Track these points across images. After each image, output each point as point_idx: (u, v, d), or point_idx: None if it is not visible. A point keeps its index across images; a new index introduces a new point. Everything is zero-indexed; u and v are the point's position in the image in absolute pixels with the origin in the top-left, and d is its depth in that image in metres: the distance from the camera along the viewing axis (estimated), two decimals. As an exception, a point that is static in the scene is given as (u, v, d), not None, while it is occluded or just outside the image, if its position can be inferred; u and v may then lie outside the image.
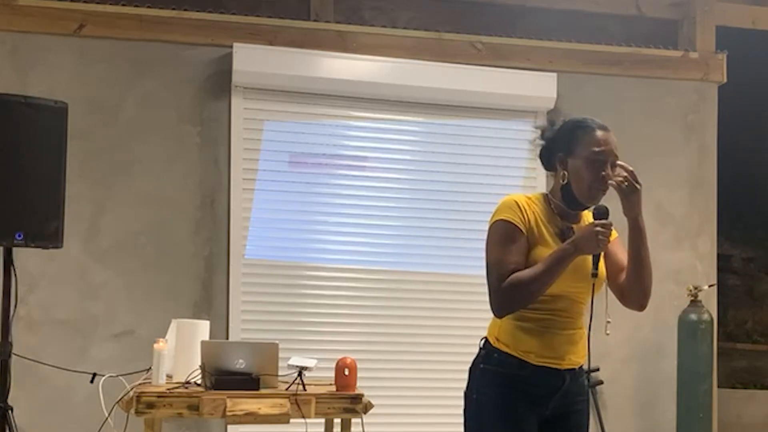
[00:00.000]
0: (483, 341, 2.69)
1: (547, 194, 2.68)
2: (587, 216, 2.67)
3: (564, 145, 2.62)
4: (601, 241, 2.47)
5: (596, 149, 2.55)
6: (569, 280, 2.54)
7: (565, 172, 2.60)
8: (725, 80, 5.62)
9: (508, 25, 5.46)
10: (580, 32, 5.52)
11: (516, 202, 2.59)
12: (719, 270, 5.70)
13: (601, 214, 2.52)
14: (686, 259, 5.51)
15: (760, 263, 8.44)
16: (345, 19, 5.28)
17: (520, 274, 2.50)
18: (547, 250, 2.54)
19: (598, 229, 2.47)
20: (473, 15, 5.49)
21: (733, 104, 5.99)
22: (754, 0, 5.77)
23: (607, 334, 2.59)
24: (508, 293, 2.51)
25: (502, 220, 2.57)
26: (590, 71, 5.42)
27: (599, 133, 2.58)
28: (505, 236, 2.56)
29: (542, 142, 2.71)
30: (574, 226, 2.64)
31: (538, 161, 2.74)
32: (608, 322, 2.58)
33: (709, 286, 5.40)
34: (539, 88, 5.14)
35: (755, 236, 8.46)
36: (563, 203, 2.63)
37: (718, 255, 5.67)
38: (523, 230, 2.56)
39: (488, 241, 2.61)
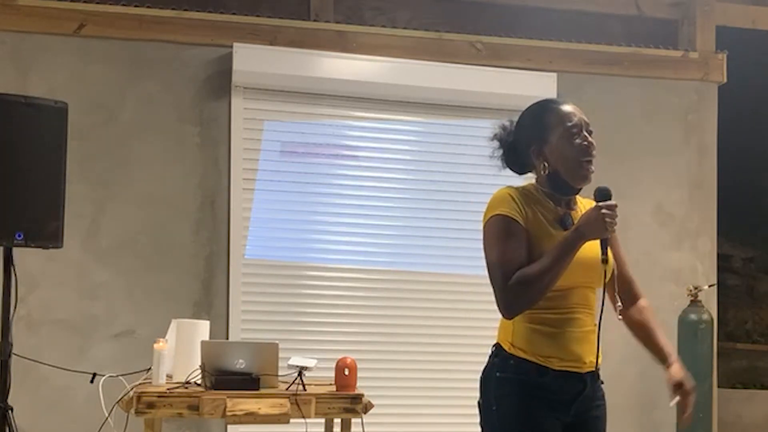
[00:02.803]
0: (495, 347, 2.53)
1: (536, 185, 2.55)
2: (584, 203, 2.57)
3: (534, 137, 2.51)
4: (609, 224, 2.32)
5: (569, 123, 2.46)
6: (579, 270, 2.39)
7: (545, 162, 2.49)
8: (725, 80, 5.62)
9: (508, 25, 5.46)
10: (580, 32, 5.52)
11: (510, 195, 2.47)
12: (719, 270, 5.69)
13: (604, 195, 2.37)
14: (686, 259, 5.51)
15: (760, 263, 8.43)
16: (345, 19, 5.28)
17: (526, 269, 2.34)
18: (550, 239, 2.40)
19: (605, 211, 2.32)
20: (473, 15, 5.49)
21: (733, 104, 5.98)
22: (754, 0, 5.78)
23: (619, 318, 2.52)
24: (517, 291, 2.34)
25: (499, 214, 2.43)
26: (590, 71, 5.42)
27: (565, 107, 2.50)
28: (504, 231, 2.41)
29: (501, 151, 2.62)
30: (573, 212, 2.52)
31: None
32: (620, 306, 2.55)
33: (709, 286, 5.40)
34: (539, 88, 5.11)
35: (755, 236, 8.45)
36: (554, 193, 2.50)
37: (718, 255, 5.66)
38: (522, 223, 2.41)
39: (486, 238, 2.45)
